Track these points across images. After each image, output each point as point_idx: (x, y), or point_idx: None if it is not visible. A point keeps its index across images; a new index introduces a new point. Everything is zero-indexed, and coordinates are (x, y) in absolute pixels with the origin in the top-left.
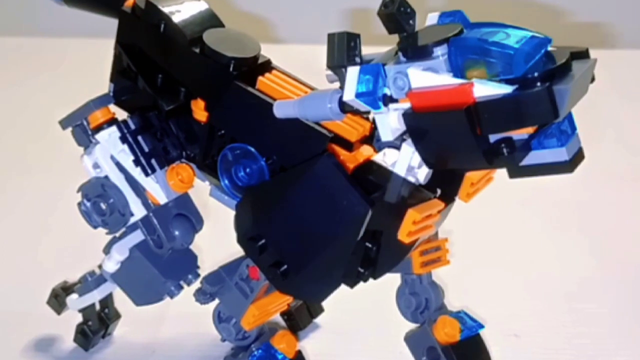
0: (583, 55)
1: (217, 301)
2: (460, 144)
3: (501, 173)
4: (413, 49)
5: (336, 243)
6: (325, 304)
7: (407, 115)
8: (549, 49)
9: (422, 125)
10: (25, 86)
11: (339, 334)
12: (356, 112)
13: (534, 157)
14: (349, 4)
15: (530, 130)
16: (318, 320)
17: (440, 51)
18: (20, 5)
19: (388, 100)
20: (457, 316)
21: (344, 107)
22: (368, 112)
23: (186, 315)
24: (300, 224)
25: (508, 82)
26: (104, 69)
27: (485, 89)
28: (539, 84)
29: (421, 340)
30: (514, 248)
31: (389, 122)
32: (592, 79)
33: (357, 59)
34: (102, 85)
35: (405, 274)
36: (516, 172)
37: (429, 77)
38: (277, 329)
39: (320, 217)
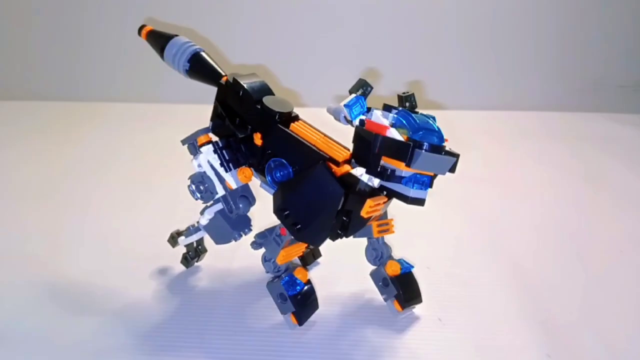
0: (454, 155)
1: (263, 249)
2: (367, 151)
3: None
4: (387, 106)
5: (326, 211)
6: (322, 252)
7: (357, 127)
8: (445, 144)
9: (360, 135)
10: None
11: (330, 269)
12: (350, 123)
13: (397, 187)
14: (349, 81)
15: (407, 169)
16: (319, 260)
17: (394, 112)
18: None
19: (361, 122)
20: (398, 261)
21: (346, 118)
22: (352, 123)
23: (248, 257)
24: (307, 201)
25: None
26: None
27: (393, 133)
28: (412, 143)
29: (378, 274)
30: (430, 224)
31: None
32: (453, 170)
33: (360, 93)
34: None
35: (369, 238)
36: (386, 190)
37: (379, 118)
38: (296, 266)
39: (317, 197)
